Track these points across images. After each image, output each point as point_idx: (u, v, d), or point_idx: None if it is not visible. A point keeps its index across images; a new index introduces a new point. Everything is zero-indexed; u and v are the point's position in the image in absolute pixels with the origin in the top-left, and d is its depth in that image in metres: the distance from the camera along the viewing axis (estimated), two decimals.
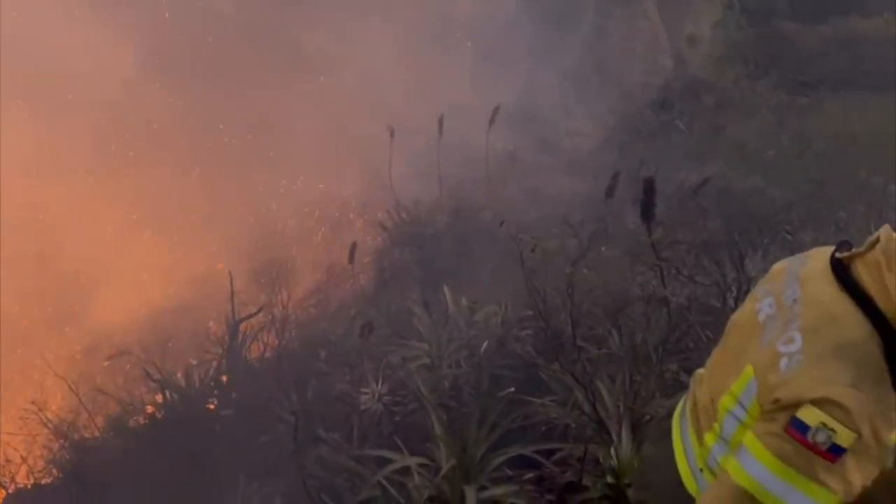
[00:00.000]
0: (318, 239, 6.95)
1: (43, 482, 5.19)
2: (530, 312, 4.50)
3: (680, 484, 1.68)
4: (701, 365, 1.78)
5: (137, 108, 7.22)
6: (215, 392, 5.33)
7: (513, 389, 3.26)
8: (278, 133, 7.03)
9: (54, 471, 5.32)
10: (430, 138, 6.71)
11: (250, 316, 5.71)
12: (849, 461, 1.32)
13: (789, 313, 1.42)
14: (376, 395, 4.28)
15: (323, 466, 3.66)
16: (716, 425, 1.56)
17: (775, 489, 1.36)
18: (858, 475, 1.34)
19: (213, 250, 6.57)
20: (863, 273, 1.37)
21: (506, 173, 7.08)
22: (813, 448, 1.32)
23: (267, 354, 5.63)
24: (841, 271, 1.40)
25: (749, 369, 1.45)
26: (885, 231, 1.38)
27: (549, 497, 2.99)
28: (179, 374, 5.54)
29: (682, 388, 2.11)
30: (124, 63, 6.94)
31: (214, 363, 5.58)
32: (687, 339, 3.73)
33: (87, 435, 5.52)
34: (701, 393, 1.67)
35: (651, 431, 2.75)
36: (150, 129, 7.36)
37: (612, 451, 2.54)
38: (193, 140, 7.40)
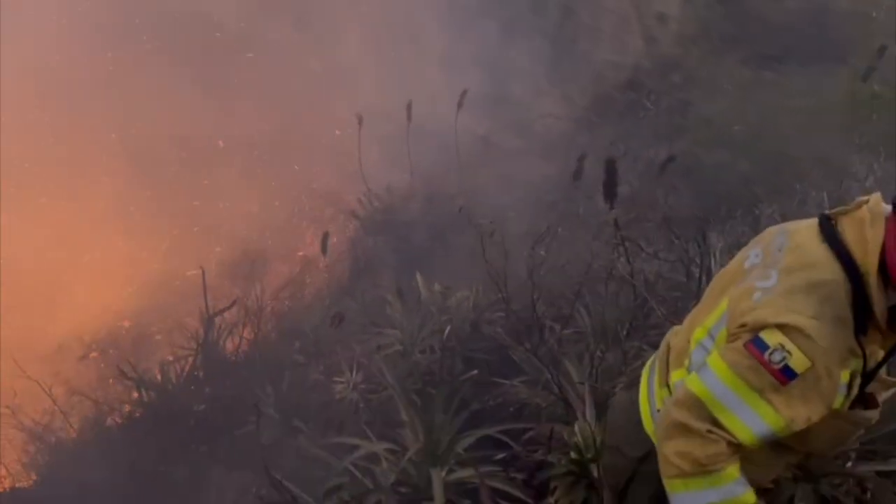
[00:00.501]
0: (291, 230, 6.91)
1: (20, 486, 5.15)
2: (501, 296, 4.55)
3: (640, 424, 1.72)
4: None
5: (102, 102, 7.11)
6: (192, 387, 5.31)
7: (476, 372, 3.29)
8: (243, 124, 6.96)
9: (32, 474, 5.29)
10: (401, 125, 6.68)
11: (224, 310, 5.67)
12: (798, 387, 1.39)
13: (773, 259, 1.50)
14: (351, 384, 4.31)
15: (298, 457, 3.68)
16: (686, 360, 1.60)
17: (724, 398, 1.43)
18: (804, 405, 1.40)
19: (184, 245, 6.51)
20: (847, 228, 1.45)
21: (478, 158, 7.08)
22: (767, 365, 1.39)
23: (243, 348, 5.60)
24: (826, 225, 1.47)
25: (724, 303, 1.54)
26: (875, 196, 1.46)
27: (520, 476, 3.03)
28: (156, 371, 5.52)
29: None
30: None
31: (190, 359, 5.56)
32: (653, 315, 3.78)
33: (64, 436, 5.49)
34: (676, 340, 1.73)
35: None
36: (119, 121, 7.26)
37: (577, 428, 2.58)
38: (160, 135, 7.31)
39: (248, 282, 6.07)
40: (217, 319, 5.62)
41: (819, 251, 1.44)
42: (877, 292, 1.38)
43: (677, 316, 3.84)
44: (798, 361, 1.37)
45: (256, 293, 5.74)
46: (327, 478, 2.92)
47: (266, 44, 7.82)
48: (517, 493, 2.73)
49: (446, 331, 3.93)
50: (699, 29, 8.53)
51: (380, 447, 2.75)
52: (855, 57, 6.26)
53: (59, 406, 5.44)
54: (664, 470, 1.50)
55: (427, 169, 6.72)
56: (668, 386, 1.67)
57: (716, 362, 1.46)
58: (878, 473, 2.42)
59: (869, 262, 1.38)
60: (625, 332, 3.60)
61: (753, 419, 1.41)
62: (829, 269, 1.41)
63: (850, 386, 1.44)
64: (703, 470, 1.43)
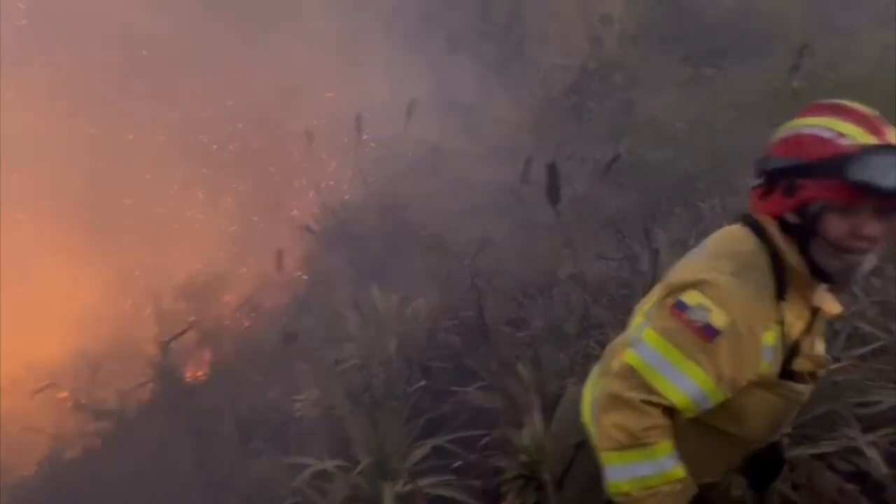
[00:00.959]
0: (246, 249, 6.84)
1: None
2: (458, 303, 4.60)
3: (580, 415, 1.76)
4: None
5: (58, 125, 6.97)
6: (150, 414, 5.22)
7: (424, 382, 3.31)
8: (192, 140, 6.88)
9: None
10: (353, 137, 6.69)
11: (180, 334, 5.57)
12: (722, 344, 1.45)
13: (704, 243, 1.63)
14: (310, 401, 4.28)
15: (257, 479, 3.65)
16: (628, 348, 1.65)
17: (656, 363, 1.49)
18: (730, 362, 1.46)
19: (135, 269, 6.40)
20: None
21: (430, 166, 7.12)
22: (690, 325, 1.46)
23: (201, 371, 5.53)
24: (747, 214, 1.59)
25: (660, 287, 1.61)
26: None
27: (477, 483, 3.07)
28: (113, 401, 5.40)
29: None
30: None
31: (150, 385, 5.46)
32: (603, 315, 3.86)
33: (23, 473, 5.34)
34: (623, 334, 1.77)
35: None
36: (72, 149, 7.11)
37: (525, 431, 2.62)
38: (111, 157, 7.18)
39: (205, 304, 5.99)
40: (174, 344, 5.54)
41: (740, 230, 1.56)
42: (785, 245, 1.48)
43: (625, 313, 3.94)
44: (717, 317, 1.43)
45: (213, 315, 5.68)
46: (283, 498, 2.91)
47: (213, 59, 7.74)
48: (472, 502, 2.76)
49: (395, 343, 3.94)
50: (640, 29, 8.74)
51: (330, 464, 2.76)
52: (782, 53, 6.48)
53: (15, 443, 5.29)
54: (601, 443, 1.54)
55: (380, 179, 6.74)
56: (609, 371, 1.72)
57: (648, 333, 1.52)
58: (812, 456, 2.52)
59: (770, 223, 1.50)
60: (574, 332, 3.66)
61: (683, 380, 1.46)
62: (750, 241, 1.52)
63: (774, 351, 1.50)
64: (638, 442, 1.48)
